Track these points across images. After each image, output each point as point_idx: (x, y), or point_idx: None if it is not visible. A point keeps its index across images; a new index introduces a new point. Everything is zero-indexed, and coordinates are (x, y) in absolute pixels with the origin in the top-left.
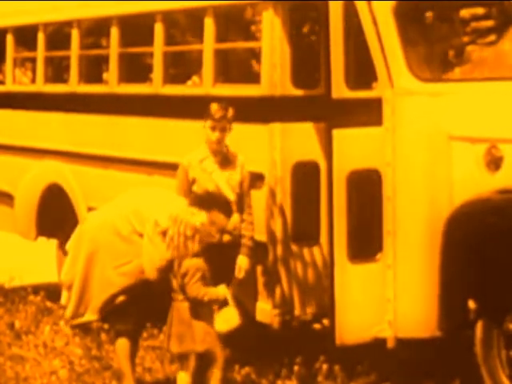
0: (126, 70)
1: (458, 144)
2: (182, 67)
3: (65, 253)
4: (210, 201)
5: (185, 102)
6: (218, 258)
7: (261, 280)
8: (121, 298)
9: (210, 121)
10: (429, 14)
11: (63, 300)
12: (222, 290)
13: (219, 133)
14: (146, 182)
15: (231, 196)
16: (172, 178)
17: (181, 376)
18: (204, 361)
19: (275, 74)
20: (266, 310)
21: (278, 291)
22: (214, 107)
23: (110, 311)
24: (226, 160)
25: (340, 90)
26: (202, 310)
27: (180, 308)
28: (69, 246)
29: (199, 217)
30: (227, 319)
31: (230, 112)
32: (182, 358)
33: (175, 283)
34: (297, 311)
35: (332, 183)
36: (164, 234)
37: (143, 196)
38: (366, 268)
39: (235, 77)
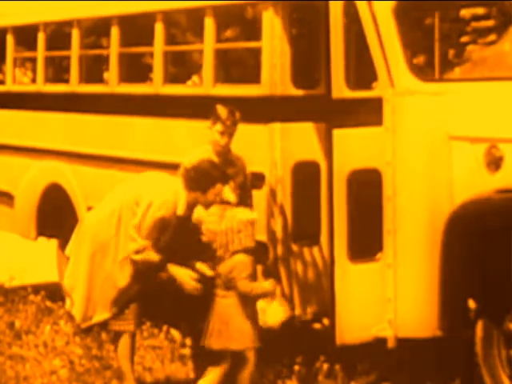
0: (127, 69)
1: (458, 144)
2: (182, 67)
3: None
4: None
5: (185, 101)
6: None
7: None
8: (130, 293)
9: (220, 125)
10: (429, 14)
11: (68, 305)
12: (269, 285)
13: (228, 137)
14: None
15: (232, 198)
16: None
17: (210, 375)
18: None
19: (275, 74)
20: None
21: (278, 291)
22: (223, 112)
23: (121, 307)
24: (228, 161)
25: (340, 89)
26: (245, 308)
27: (220, 304)
28: (68, 250)
29: (247, 214)
30: (275, 313)
31: (238, 115)
32: (214, 357)
33: (219, 278)
34: (297, 311)
35: (332, 183)
36: (156, 220)
37: (139, 183)
38: (366, 267)
39: (235, 76)
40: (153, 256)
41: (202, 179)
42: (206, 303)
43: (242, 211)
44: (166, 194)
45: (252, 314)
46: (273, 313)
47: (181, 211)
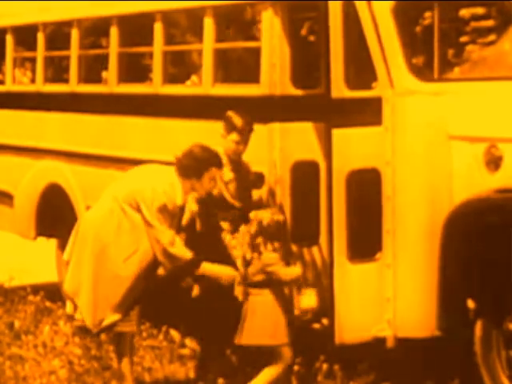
0: (126, 69)
1: (457, 143)
2: (181, 67)
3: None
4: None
5: (184, 101)
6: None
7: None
8: (136, 293)
9: (236, 135)
10: (428, 14)
11: (69, 309)
12: (299, 268)
13: (244, 145)
14: None
15: (237, 203)
16: None
17: (265, 372)
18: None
19: (275, 74)
20: None
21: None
22: (239, 121)
23: (128, 307)
24: (238, 167)
25: (340, 89)
26: (280, 304)
27: (254, 302)
28: (67, 254)
29: (275, 215)
30: (309, 298)
31: (253, 123)
32: (271, 354)
33: (250, 278)
34: (296, 311)
35: (331, 183)
36: (161, 210)
37: (134, 179)
38: (365, 267)
39: (235, 76)
40: (187, 252)
41: (194, 164)
42: (207, 303)
43: (268, 212)
44: (164, 185)
45: (286, 311)
46: (307, 298)
47: (180, 201)
